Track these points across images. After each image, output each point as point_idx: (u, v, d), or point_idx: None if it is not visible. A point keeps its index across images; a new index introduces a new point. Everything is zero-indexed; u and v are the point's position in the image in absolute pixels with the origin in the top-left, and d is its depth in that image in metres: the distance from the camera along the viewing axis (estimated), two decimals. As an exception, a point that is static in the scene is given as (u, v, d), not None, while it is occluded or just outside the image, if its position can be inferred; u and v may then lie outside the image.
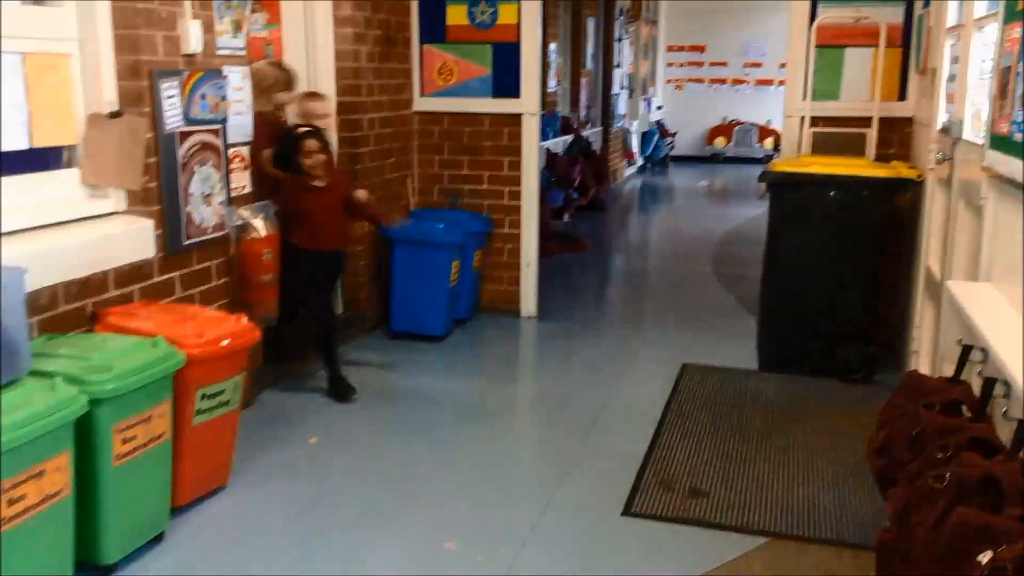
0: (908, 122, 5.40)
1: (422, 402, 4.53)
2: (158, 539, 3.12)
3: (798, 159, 5.10)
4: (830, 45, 5.38)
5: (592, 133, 11.22)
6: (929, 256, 4.43)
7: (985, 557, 1.93)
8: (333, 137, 5.00)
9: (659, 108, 15.90)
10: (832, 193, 4.76)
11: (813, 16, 5.35)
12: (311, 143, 4.22)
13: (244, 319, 3.45)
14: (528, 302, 6.09)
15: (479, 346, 5.58)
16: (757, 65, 15.78)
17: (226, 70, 3.97)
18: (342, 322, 5.36)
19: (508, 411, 4.64)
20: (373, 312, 5.65)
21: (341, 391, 4.50)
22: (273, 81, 4.66)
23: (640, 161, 14.80)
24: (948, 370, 3.17)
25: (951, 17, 4.20)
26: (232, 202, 4.10)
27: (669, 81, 16.30)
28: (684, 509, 3.45)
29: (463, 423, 4.23)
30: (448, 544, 3.17)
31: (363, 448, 3.98)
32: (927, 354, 4.30)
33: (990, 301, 2.78)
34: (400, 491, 3.57)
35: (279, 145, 4.27)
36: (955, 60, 4.00)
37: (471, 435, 4.13)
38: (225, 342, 3.26)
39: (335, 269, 4.64)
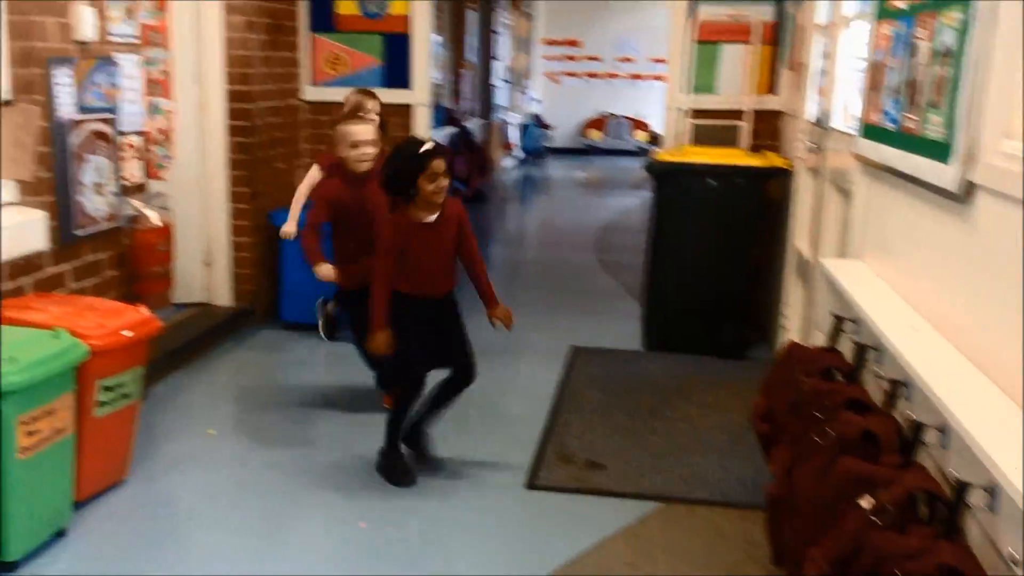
0: (778, 115, 5.75)
1: (319, 391, 4.54)
2: (60, 535, 3.06)
3: (679, 149, 5.36)
4: (708, 41, 5.67)
5: (474, 125, 11.34)
6: (799, 239, 4.74)
7: (866, 501, 2.14)
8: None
9: (536, 101, 16.16)
10: (711, 181, 5.03)
11: (692, 13, 5.63)
12: (440, 164, 3.33)
13: (144, 309, 3.42)
14: (420, 291, 6.17)
15: (373, 335, 5.61)
16: (629, 60, 16.23)
17: (118, 57, 3.90)
18: (230, 316, 5.32)
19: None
20: (263, 303, 5.61)
21: (414, 441, 3.72)
22: (349, 108, 4.62)
23: (519, 153, 15.02)
24: (816, 343, 3.46)
25: (820, 16, 4.51)
26: (124, 192, 4.03)
27: (546, 74, 16.58)
28: (584, 480, 3.62)
29: (361, 410, 4.27)
30: (361, 524, 3.24)
31: (263, 438, 3.97)
32: (796, 330, 4.61)
33: (862, 275, 3.04)
34: (305, 479, 3.59)
35: (392, 165, 3.42)
36: (824, 56, 4.31)
37: (369, 421, 4.18)
38: (127, 333, 3.23)
39: (449, 312, 3.64)
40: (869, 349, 2.79)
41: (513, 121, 14.35)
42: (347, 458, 3.78)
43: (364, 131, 3.92)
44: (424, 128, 5.98)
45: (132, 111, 4.05)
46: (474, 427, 4.13)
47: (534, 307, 6.57)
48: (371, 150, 3.91)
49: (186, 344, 4.81)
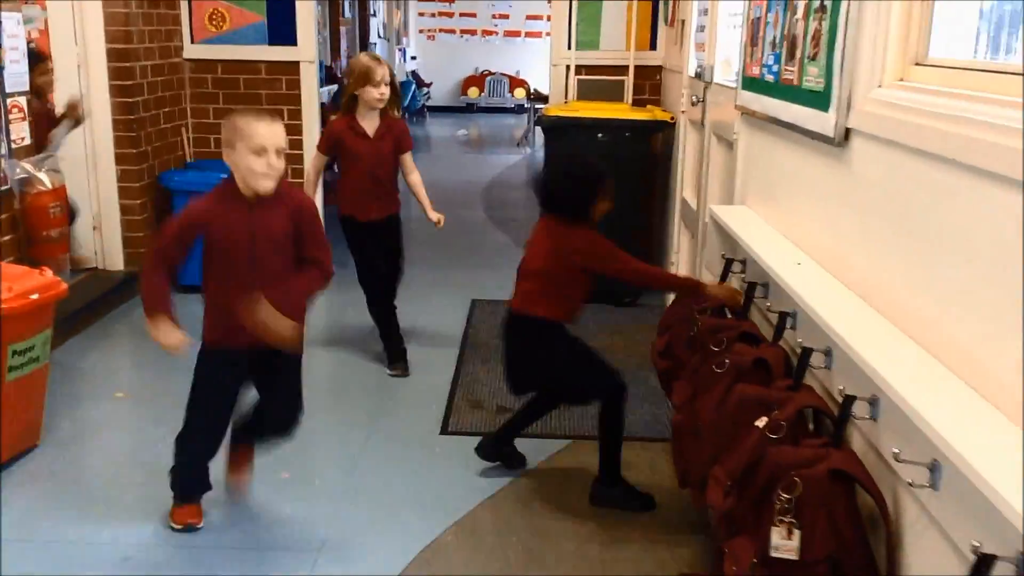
0: (658, 70, 5.99)
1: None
2: (-23, 501, 3.05)
3: (568, 104, 5.53)
4: (589, -1, 5.85)
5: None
6: (684, 189, 5.00)
7: (762, 422, 2.38)
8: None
9: (413, 58, 16.09)
10: (600, 135, 5.22)
11: (574, -29, 5.80)
12: (612, 184, 3.22)
13: (48, 272, 3.38)
14: (315, 250, 6.18)
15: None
16: (504, 17, 16.34)
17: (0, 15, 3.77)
18: (124, 279, 5.23)
19: (311, 349, 4.74)
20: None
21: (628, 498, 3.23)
22: (356, 76, 4.06)
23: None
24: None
25: (698, -25, 4.73)
26: (13, 155, 3.92)
27: (421, 31, 16.51)
28: (495, 424, 3.78)
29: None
30: (284, 475, 3.32)
31: (173, 399, 3.93)
32: (685, 275, 4.88)
33: (748, 219, 3.29)
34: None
35: (569, 187, 3.18)
36: (703, 13, 4.53)
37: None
38: (34, 296, 3.19)
39: None
40: (757, 286, 3.04)
41: (392, 79, 14.25)
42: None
43: (273, 133, 2.65)
44: (312, 85, 5.96)
45: (16, 71, 3.93)
46: (384, 380, 4.24)
47: (432, 264, 6.68)
48: (279, 163, 2.67)
49: (81, 309, 4.72)
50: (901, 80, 2.28)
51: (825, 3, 2.58)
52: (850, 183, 2.45)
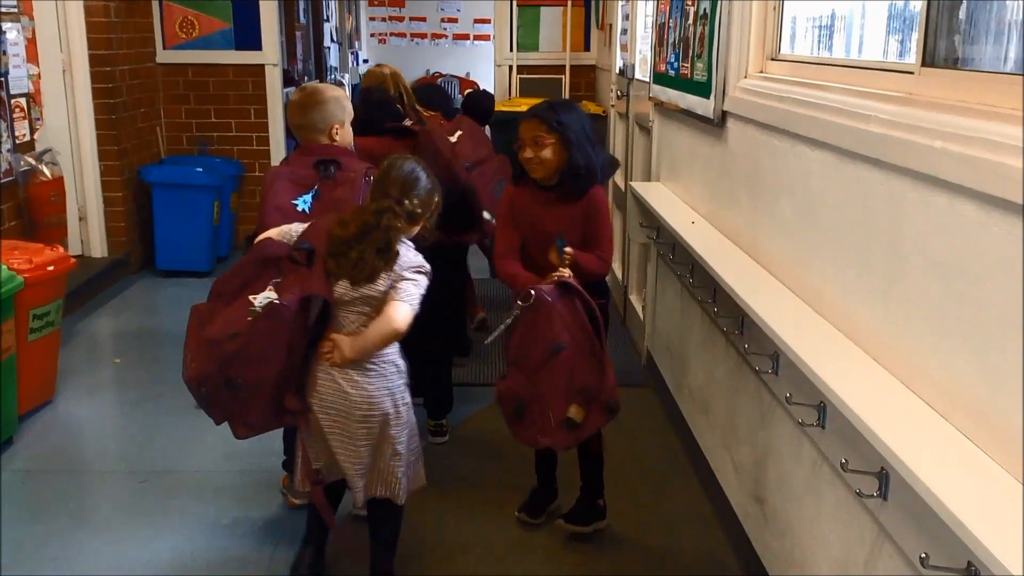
0: (591, 69, 6.62)
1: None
2: (8, 442, 3.55)
3: (511, 100, 6.13)
4: (528, 5, 6.47)
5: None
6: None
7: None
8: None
9: (365, 61, 16.56)
10: (539, 127, 5.82)
11: (512, -20, 6.42)
12: None
13: (60, 248, 3.89)
14: (281, 238, 6.71)
15: (243, 278, 6.13)
16: (453, 21, 16.89)
17: (5, 26, 4.26)
18: (107, 266, 5.72)
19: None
20: (137, 253, 6.03)
21: None
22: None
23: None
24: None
25: (620, -16, 5.37)
26: (16, 149, 4.41)
27: (373, 35, 17.00)
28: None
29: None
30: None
31: (165, 364, 4.48)
32: (617, 253, 5.50)
33: (658, 192, 3.91)
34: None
35: None
36: (625, 18, 5.17)
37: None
38: (50, 268, 3.71)
39: None
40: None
41: (345, 81, 14.75)
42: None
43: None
44: (276, 86, 6.49)
45: (18, 75, 4.42)
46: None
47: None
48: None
49: (71, 292, 5.19)
50: (761, 72, 2.91)
51: (707, 11, 3.21)
52: (726, 154, 3.08)
